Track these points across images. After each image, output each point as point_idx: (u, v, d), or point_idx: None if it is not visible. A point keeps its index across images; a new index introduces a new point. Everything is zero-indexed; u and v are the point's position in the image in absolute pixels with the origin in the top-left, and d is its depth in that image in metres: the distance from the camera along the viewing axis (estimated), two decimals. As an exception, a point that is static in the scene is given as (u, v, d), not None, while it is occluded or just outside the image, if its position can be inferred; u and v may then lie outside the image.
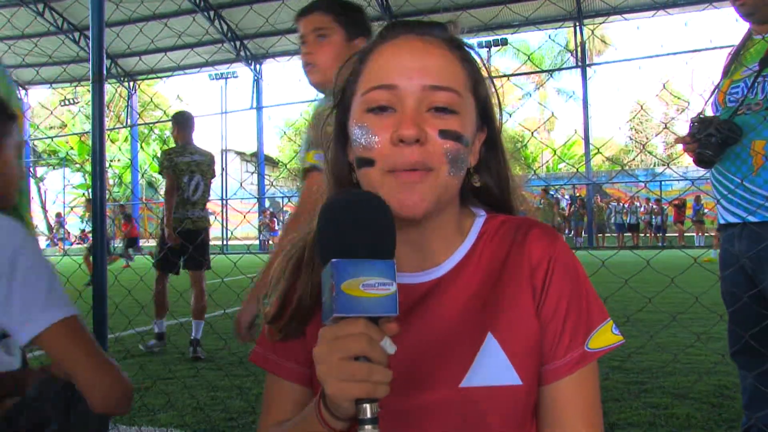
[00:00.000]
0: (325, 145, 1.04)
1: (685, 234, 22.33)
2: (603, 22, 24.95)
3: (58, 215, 30.85)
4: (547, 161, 33.73)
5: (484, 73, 1.00)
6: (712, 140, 2.22)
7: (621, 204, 23.76)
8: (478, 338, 0.93)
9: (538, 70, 33.59)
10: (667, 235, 23.48)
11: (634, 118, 38.00)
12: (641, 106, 30.53)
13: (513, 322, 0.94)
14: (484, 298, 0.96)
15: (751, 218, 2.20)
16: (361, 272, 0.74)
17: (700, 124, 2.28)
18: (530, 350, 0.93)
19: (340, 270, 0.74)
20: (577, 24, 23.59)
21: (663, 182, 24.87)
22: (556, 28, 24.98)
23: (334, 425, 0.82)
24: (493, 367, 0.91)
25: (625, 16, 21.91)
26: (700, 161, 2.31)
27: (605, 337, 0.95)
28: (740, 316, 2.28)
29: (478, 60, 1.00)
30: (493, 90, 1.02)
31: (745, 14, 2.30)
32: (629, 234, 23.53)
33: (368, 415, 0.74)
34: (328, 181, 1.03)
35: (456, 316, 0.95)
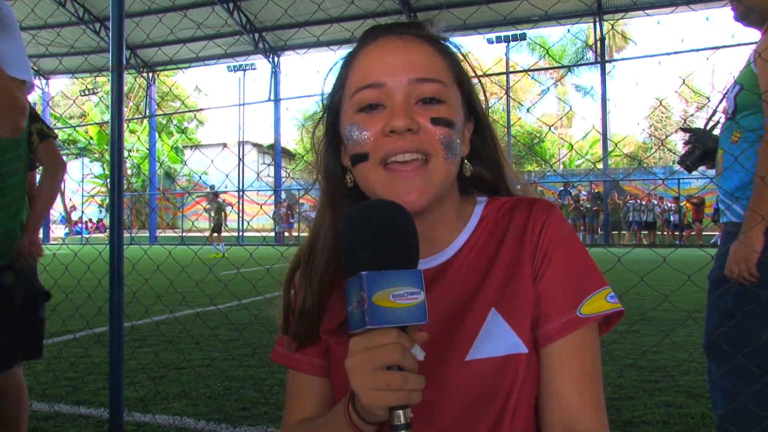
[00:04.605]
0: (316, 151, 1.05)
1: (703, 233, 22.07)
2: (622, 17, 24.66)
3: (72, 207, 31.28)
4: (563, 157, 33.39)
5: (466, 67, 1.02)
6: (695, 152, 2.46)
7: (639, 201, 23.53)
8: (481, 314, 0.94)
9: (556, 65, 33.29)
10: (684, 233, 23.21)
11: (652, 113, 37.53)
12: (660, 102, 30.19)
13: (515, 294, 0.95)
14: (485, 275, 0.97)
15: (723, 218, 2.32)
16: (390, 283, 0.75)
17: (689, 133, 2.52)
18: (532, 318, 0.94)
19: (371, 282, 0.74)
20: (597, 20, 23.35)
21: (681, 180, 24.60)
22: (575, 23, 24.71)
23: (364, 429, 0.83)
24: (497, 340, 0.92)
25: (647, 11, 21.64)
26: (684, 168, 2.54)
27: (599, 303, 0.93)
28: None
29: (458, 53, 1.02)
30: (481, 81, 1.05)
31: (737, 18, 2.30)
32: (646, 232, 23.32)
33: (402, 420, 0.75)
34: (322, 186, 1.04)
35: (458, 297, 0.96)
